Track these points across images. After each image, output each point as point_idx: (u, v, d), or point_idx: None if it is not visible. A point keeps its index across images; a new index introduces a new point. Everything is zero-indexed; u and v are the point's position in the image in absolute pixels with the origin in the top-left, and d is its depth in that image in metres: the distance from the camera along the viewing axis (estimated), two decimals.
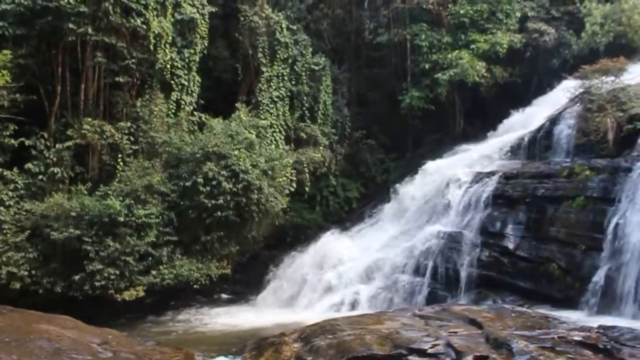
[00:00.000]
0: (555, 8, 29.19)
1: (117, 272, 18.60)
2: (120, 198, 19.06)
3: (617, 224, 16.26)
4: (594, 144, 19.54)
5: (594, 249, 16.67)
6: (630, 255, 15.56)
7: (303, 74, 26.32)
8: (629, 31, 26.99)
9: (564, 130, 20.79)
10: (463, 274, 19.02)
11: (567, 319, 12.77)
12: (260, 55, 25.09)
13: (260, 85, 25.09)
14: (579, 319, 13.50)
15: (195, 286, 20.57)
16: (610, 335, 9.51)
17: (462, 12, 27.20)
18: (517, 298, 17.69)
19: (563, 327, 10.77)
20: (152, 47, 20.77)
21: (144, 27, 20.37)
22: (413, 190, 23.62)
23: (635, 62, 23.86)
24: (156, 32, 20.72)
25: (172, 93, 22.19)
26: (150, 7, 20.47)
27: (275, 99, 25.28)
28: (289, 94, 25.89)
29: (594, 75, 20.46)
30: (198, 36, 22.80)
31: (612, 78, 20.22)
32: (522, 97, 26.22)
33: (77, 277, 18.36)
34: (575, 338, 9.44)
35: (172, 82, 22.14)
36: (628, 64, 21.44)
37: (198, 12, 22.77)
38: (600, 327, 10.15)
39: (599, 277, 16.07)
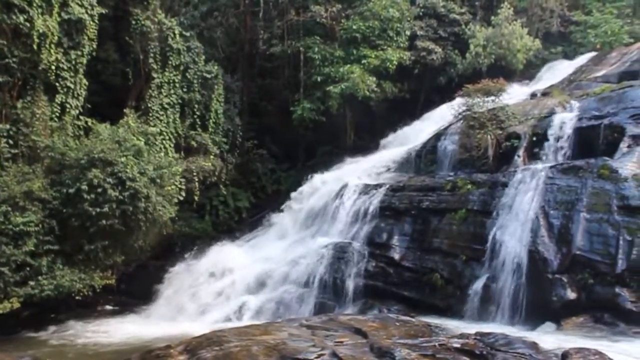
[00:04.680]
0: (442, 29, 30.56)
1: None
2: None
3: (495, 236, 17.14)
4: (476, 159, 20.51)
5: (474, 259, 17.46)
6: (506, 265, 16.42)
7: (195, 81, 25.94)
8: (508, 54, 28.70)
9: (448, 146, 21.68)
10: (350, 284, 19.33)
11: (448, 326, 13.27)
12: (151, 60, 24.51)
13: (150, 91, 24.48)
14: (459, 327, 14.00)
15: (77, 297, 19.70)
16: (487, 341, 9.93)
17: (354, 27, 27.79)
18: (402, 307, 18.16)
19: (444, 335, 11.15)
20: (35, 47, 19.79)
21: (27, 25, 19.39)
22: (303, 201, 23.81)
23: (513, 83, 25.37)
24: (40, 31, 19.78)
25: (57, 96, 21.20)
26: (34, 5, 19.51)
27: (166, 106, 24.76)
28: (180, 101, 25.44)
29: (476, 94, 21.47)
30: (86, 37, 21.91)
31: (493, 98, 21.28)
32: (410, 112, 27.21)
33: None
34: (455, 345, 9.77)
35: (57, 84, 21.16)
36: (507, 84, 22.68)
37: (87, 12, 21.90)
38: (477, 334, 10.56)
39: (478, 286, 16.83)
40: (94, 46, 22.37)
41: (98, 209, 18.98)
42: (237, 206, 28.07)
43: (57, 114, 21.24)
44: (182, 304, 21.44)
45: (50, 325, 19.86)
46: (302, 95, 28.60)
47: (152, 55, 24.50)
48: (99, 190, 19.00)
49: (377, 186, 21.56)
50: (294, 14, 29.75)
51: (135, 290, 23.17)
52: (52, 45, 20.52)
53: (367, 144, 26.94)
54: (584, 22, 31.47)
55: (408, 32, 29.20)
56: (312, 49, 28.20)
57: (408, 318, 13.46)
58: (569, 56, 29.87)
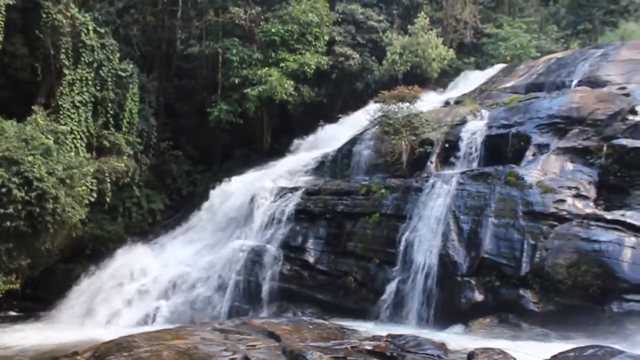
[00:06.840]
0: (360, 35, 31.01)
1: None
2: None
3: (407, 240, 17.53)
4: (390, 165, 20.88)
5: (387, 262, 17.78)
6: (418, 269, 16.82)
7: (109, 79, 25.14)
8: (423, 62, 29.44)
9: (364, 151, 21.96)
10: (265, 287, 19.27)
11: (361, 329, 13.44)
12: (63, 56, 23.57)
13: (61, 88, 23.55)
14: (372, 329, 14.22)
15: None
16: (397, 343, 10.12)
17: (273, 30, 27.77)
18: (316, 310, 18.29)
19: (356, 337, 11.30)
20: None
21: None
22: (218, 204, 23.58)
23: (428, 90, 26.04)
24: None
25: None
26: None
27: (78, 104, 23.88)
28: (92, 99, 24.56)
29: (392, 100, 21.91)
30: None
31: (407, 104, 21.77)
32: (327, 116, 27.39)
33: None
34: (367, 347, 9.90)
35: None
36: (421, 92, 23.24)
37: None
38: (389, 335, 10.74)
39: (390, 289, 17.16)
40: (0, 38, 21.38)
41: (2, 210, 18.09)
42: (151, 208, 27.44)
43: None
44: (92, 310, 20.75)
45: None
46: (220, 97, 28.28)
47: (63, 51, 23.57)
48: (3, 190, 18.12)
49: (293, 189, 21.61)
50: (213, 15, 29.42)
51: (41, 295, 22.33)
52: None
53: (284, 147, 26.94)
54: (496, 34, 32.69)
55: (327, 37, 29.44)
56: (230, 51, 27.97)
57: (321, 321, 13.57)
58: (481, 66, 30.93)
